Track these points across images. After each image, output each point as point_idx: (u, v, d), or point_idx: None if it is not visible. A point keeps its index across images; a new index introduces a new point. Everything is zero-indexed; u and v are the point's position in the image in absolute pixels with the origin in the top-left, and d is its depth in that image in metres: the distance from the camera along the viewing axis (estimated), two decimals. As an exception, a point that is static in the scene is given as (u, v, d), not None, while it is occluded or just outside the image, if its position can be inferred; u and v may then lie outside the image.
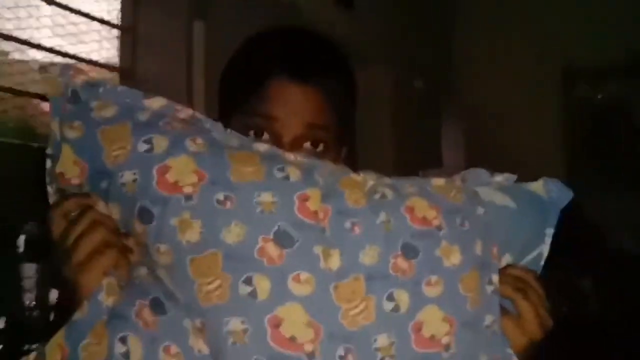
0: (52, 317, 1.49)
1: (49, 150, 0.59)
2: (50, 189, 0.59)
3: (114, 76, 2.03)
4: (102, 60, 2.00)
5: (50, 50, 1.84)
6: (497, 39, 3.58)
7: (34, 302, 1.50)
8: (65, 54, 1.88)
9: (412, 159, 3.03)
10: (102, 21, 2.00)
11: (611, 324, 2.43)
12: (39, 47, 1.81)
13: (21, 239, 1.49)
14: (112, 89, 0.59)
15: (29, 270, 1.52)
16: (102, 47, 2.02)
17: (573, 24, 3.29)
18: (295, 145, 0.67)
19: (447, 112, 3.46)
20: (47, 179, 0.59)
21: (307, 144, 0.68)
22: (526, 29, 3.47)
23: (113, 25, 2.04)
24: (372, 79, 2.85)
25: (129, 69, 2.02)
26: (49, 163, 0.59)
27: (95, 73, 1.98)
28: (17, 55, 1.77)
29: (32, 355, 0.55)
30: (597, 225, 2.85)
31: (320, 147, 0.69)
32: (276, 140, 0.67)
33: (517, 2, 3.51)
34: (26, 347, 1.30)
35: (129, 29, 2.04)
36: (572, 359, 2.35)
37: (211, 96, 0.77)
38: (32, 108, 1.75)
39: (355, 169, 0.62)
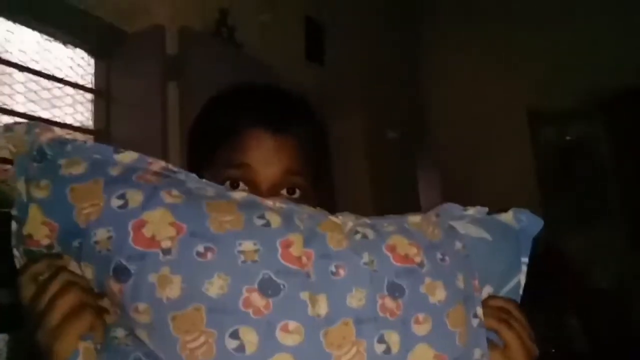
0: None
1: (14, 212, 0.56)
2: (16, 252, 0.57)
3: (88, 139, 2.03)
4: (76, 124, 2.01)
5: (24, 115, 1.84)
6: (465, 84, 3.70)
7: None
8: (39, 119, 1.88)
9: (390, 205, 3.05)
10: (75, 85, 2.01)
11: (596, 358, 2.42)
12: (12, 113, 1.81)
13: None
14: (80, 146, 0.57)
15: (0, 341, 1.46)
16: (76, 110, 2.02)
17: (537, 68, 3.43)
18: (272, 193, 0.68)
19: (422, 157, 3.52)
20: (13, 242, 0.56)
21: (284, 191, 0.69)
22: (493, 73, 3.60)
23: (86, 89, 2.05)
24: (346, 130, 2.90)
25: (103, 132, 2.02)
26: (14, 225, 0.56)
27: (69, 137, 1.97)
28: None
29: None
30: (575, 263, 2.89)
31: (297, 194, 0.70)
32: (253, 189, 0.67)
33: (484, 47, 3.66)
34: None
35: (103, 93, 2.05)
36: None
37: (187, 155, 0.77)
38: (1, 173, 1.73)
39: (332, 209, 0.62)
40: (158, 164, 0.58)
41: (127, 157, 0.57)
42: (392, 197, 3.10)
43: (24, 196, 0.56)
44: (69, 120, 1.99)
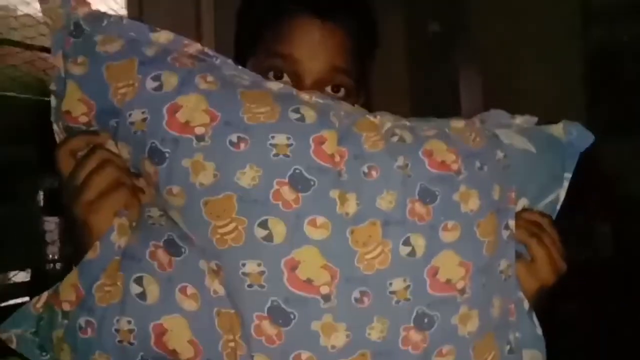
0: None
1: (52, 86, 0.56)
2: (56, 127, 0.57)
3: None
4: (110, 12, 1.98)
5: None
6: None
7: (57, 255, 1.54)
8: (71, 5, 1.86)
9: (430, 105, 2.99)
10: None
11: (626, 270, 2.44)
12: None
13: (41, 193, 1.52)
14: (116, 22, 0.56)
15: (50, 223, 1.55)
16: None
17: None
18: (316, 89, 0.64)
19: (464, 55, 3.37)
20: (53, 117, 0.57)
21: (328, 88, 0.66)
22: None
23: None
24: (385, 24, 2.78)
25: (136, 18, 1.99)
26: (53, 100, 0.56)
27: (102, 5, 1.95)
28: (23, 9, 1.75)
29: (43, 295, 0.55)
30: (615, 171, 2.82)
31: (341, 93, 0.67)
32: (296, 83, 0.64)
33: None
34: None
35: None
36: (588, 303, 2.37)
37: (220, 36, 0.74)
38: (41, 62, 1.74)
39: (370, 103, 0.59)
40: (194, 47, 0.56)
41: (163, 36, 0.56)
42: (431, 98, 3.02)
43: (61, 71, 0.55)
44: (102, 8, 1.96)
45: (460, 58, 3.34)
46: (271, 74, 0.65)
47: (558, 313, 0.60)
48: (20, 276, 1.49)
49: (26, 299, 1.43)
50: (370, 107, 0.60)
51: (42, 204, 1.51)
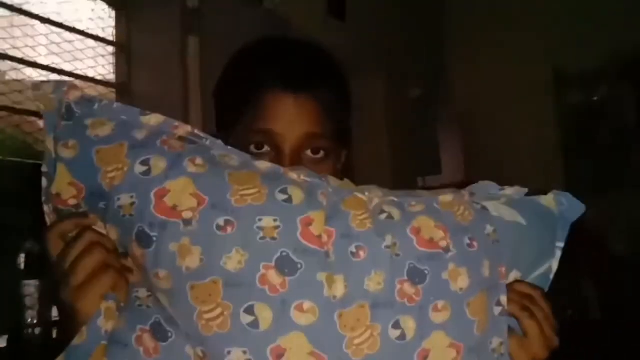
0: (54, 334, 1.49)
1: (44, 168, 0.57)
2: (46, 209, 0.58)
3: (110, 93, 2.04)
4: (98, 77, 2.02)
5: (46, 67, 1.85)
6: (489, 44, 3.61)
7: (35, 319, 1.50)
8: (61, 72, 1.89)
9: (411, 166, 3.04)
10: (96, 38, 2.01)
11: (612, 327, 2.43)
12: (35, 65, 1.82)
13: (21, 256, 1.49)
14: (107, 106, 0.57)
15: (30, 287, 1.52)
16: (97, 63, 2.03)
17: (561, 28, 3.32)
18: (295, 155, 0.67)
19: (443, 118, 3.47)
20: (44, 198, 0.57)
21: (308, 152, 0.68)
22: (517, 34, 3.49)
23: (108, 42, 2.05)
24: (367, 88, 2.86)
25: (125, 85, 2.03)
26: (44, 182, 0.57)
27: (92, 90, 1.99)
28: (13, 75, 1.78)
29: None
30: (596, 228, 2.86)
31: (321, 154, 0.69)
32: (277, 152, 0.67)
33: (507, 8, 3.55)
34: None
35: (124, 46, 2.05)
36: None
37: (208, 110, 0.77)
38: (28, 126, 1.75)
39: (351, 168, 0.60)
40: (184, 128, 0.57)
41: (153, 119, 0.57)
42: (412, 159, 3.08)
43: (52, 154, 0.56)
44: (90, 74, 2.00)
45: (440, 121, 3.45)
46: (252, 147, 0.67)
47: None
48: (-3, 342, 1.44)
49: (2, 366, 1.37)
50: (353, 170, 0.62)
51: (22, 267, 1.48)
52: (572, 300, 2.48)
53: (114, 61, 2.05)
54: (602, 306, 2.57)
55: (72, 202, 0.55)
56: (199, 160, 0.53)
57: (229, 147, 0.58)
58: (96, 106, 0.56)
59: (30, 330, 1.45)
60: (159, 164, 0.52)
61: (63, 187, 0.55)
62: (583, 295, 2.62)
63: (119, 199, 0.52)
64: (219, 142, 0.58)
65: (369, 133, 2.88)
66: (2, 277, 1.42)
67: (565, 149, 3.43)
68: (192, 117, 1.70)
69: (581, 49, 3.28)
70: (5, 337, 1.40)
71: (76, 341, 0.52)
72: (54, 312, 1.51)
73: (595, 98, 3.51)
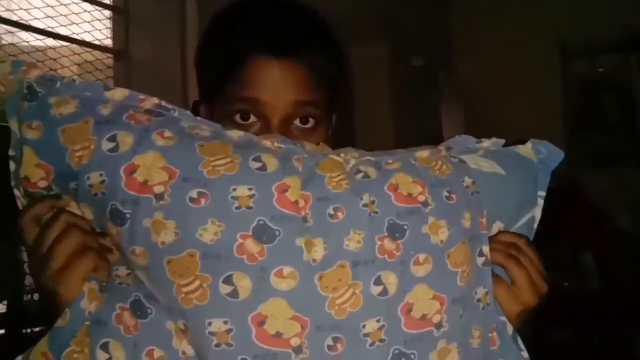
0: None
1: (11, 152, 0.56)
2: (17, 193, 0.56)
3: (107, 58, 2.01)
4: (95, 42, 1.98)
5: (42, 31, 1.82)
6: (493, 14, 3.54)
7: (34, 286, 1.50)
8: (57, 35, 1.86)
9: (412, 135, 3.02)
10: (93, 1, 1.97)
11: (609, 299, 2.45)
12: (30, 28, 1.78)
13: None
14: (70, 83, 0.55)
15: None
16: (94, 28, 1.99)
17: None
18: (284, 125, 0.64)
19: (446, 87, 3.43)
20: (13, 182, 0.56)
21: (297, 121, 0.65)
22: (523, 3, 3.43)
23: (105, 6, 2.01)
24: (369, 56, 2.82)
25: (122, 51, 2.00)
26: (12, 165, 0.56)
27: (88, 55, 1.96)
28: (8, 38, 1.75)
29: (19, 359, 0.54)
30: (596, 201, 2.86)
31: (310, 123, 0.66)
32: (264, 122, 0.64)
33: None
34: (27, 330, 1.31)
35: (121, 10, 2.01)
36: (571, 330, 2.37)
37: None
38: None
39: (353, 137, 0.59)
40: (150, 101, 0.55)
41: (118, 93, 0.55)
42: (414, 128, 3.06)
43: (17, 136, 0.55)
44: (87, 38, 1.97)
45: (442, 91, 3.41)
46: (238, 116, 0.64)
47: (543, 342, 0.59)
48: (-4, 307, 1.46)
49: (1, 331, 1.39)
50: (354, 137, 0.60)
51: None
52: (572, 271, 2.49)
53: (112, 26, 2.02)
54: (603, 279, 2.58)
55: (42, 184, 0.54)
56: (167, 133, 0.52)
57: (199, 118, 0.57)
58: (58, 84, 0.55)
59: (29, 296, 1.46)
60: (126, 140, 0.51)
61: (31, 169, 0.54)
62: (581, 265, 2.64)
63: (88, 178, 0.51)
64: (188, 112, 0.56)
65: (370, 101, 2.85)
66: (1, 245, 1.42)
67: (570, 122, 3.40)
68: (190, 82, 1.67)
69: (588, 19, 3.22)
70: (5, 302, 1.41)
71: (59, 323, 0.52)
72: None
73: (601, 70, 3.47)
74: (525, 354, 0.58)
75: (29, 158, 0.53)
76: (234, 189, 0.50)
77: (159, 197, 0.50)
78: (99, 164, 0.51)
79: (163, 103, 0.56)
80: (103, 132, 0.52)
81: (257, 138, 0.56)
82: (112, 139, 0.52)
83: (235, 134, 0.56)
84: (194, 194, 0.50)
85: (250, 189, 0.51)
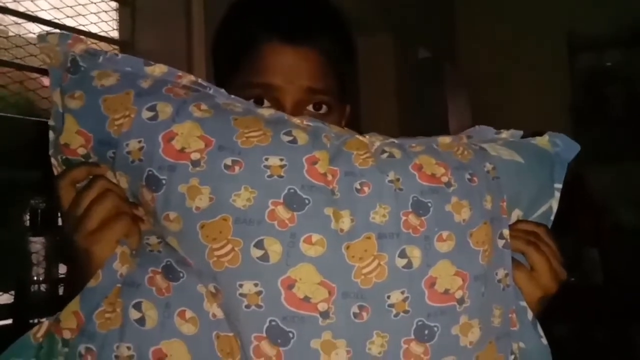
0: (60, 290, 1.51)
1: (51, 122, 0.58)
2: (54, 161, 0.59)
3: (113, 50, 2.01)
4: (101, 34, 1.98)
5: (48, 22, 1.82)
6: (500, 6, 3.52)
7: (42, 276, 1.52)
8: (63, 27, 1.86)
9: (418, 127, 3.01)
10: (99, -8, 1.97)
11: (613, 294, 2.44)
12: (37, 19, 1.79)
13: (27, 213, 1.50)
14: (112, 57, 0.57)
15: (36, 244, 1.53)
16: (101, 19, 1.99)
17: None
18: (297, 111, 0.66)
19: (452, 79, 3.42)
20: (51, 151, 0.58)
21: (310, 107, 0.67)
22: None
23: (111, -3, 2.01)
24: (374, 47, 2.81)
25: (128, 42, 2.00)
26: (51, 135, 0.58)
27: (95, 46, 1.96)
28: (14, 29, 1.75)
29: (44, 324, 0.55)
30: (601, 197, 2.84)
31: (323, 110, 0.68)
32: (277, 108, 0.65)
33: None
34: (35, 320, 1.32)
35: (128, 2, 2.01)
36: (575, 325, 2.37)
37: (213, 67, 0.75)
38: (31, 83, 1.73)
39: (359, 128, 0.61)
40: (187, 78, 0.58)
41: (157, 70, 0.58)
42: (420, 120, 3.05)
43: (59, 106, 0.57)
44: (93, 30, 1.97)
45: (448, 83, 3.39)
46: (252, 102, 0.65)
47: (547, 337, 0.59)
48: (4, 298, 1.47)
49: (9, 321, 1.40)
50: (359, 129, 0.62)
51: (28, 224, 1.49)
52: (576, 267, 2.49)
53: (118, 17, 2.01)
54: (607, 274, 2.58)
55: (81, 151, 0.56)
56: (204, 106, 0.55)
57: (232, 96, 0.59)
58: (101, 59, 0.57)
59: (36, 287, 1.47)
60: (165, 109, 0.54)
61: (71, 136, 0.55)
62: (585, 261, 2.63)
63: (127, 145, 0.53)
64: (222, 90, 0.59)
65: (376, 92, 2.84)
66: (9, 235, 1.43)
67: (575, 115, 3.38)
68: (196, 74, 1.67)
69: (595, 13, 3.20)
70: (12, 293, 1.43)
71: (92, 283, 0.54)
72: (60, 269, 1.53)
73: (608, 64, 3.44)
74: (544, 340, 0.59)
75: (70, 125, 0.55)
76: (267, 159, 0.52)
77: (195, 163, 0.52)
78: (139, 132, 0.53)
79: (199, 80, 0.59)
80: (143, 102, 0.54)
81: (287, 116, 0.58)
82: (152, 108, 0.54)
83: (266, 111, 0.58)
84: (228, 161, 0.52)
85: (281, 160, 0.52)
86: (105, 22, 2.00)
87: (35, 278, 1.47)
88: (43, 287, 1.48)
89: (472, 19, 3.65)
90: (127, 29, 2.01)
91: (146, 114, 0.53)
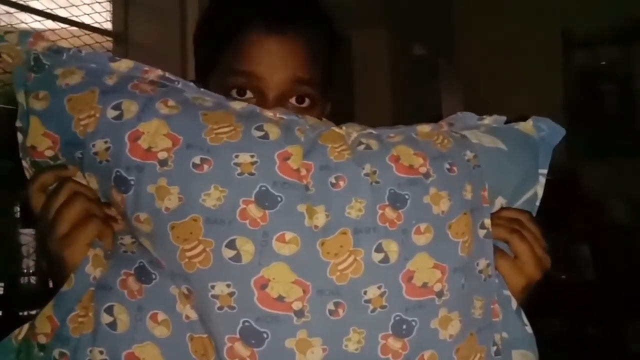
0: (50, 282, 1.50)
1: (18, 123, 0.56)
2: (25, 164, 0.57)
3: (107, 41, 1.99)
4: (94, 25, 1.96)
5: (41, 13, 1.80)
6: (496, 3, 3.52)
7: (31, 268, 1.51)
8: (56, 17, 1.84)
9: (412, 123, 3.01)
10: (93, -17, 1.95)
11: (605, 290, 2.46)
12: (28, 9, 1.77)
13: (17, 205, 1.49)
14: (76, 54, 0.56)
15: (26, 236, 1.52)
16: (94, 10, 1.97)
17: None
18: (280, 102, 0.64)
19: (447, 76, 3.42)
20: (21, 154, 0.57)
21: (293, 100, 0.66)
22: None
23: (104, -12, 1.99)
24: (371, 43, 2.80)
25: (122, 33, 1.98)
26: (20, 136, 0.56)
27: (88, 38, 1.94)
28: (6, 19, 1.73)
29: (24, 327, 0.55)
30: (594, 193, 2.85)
31: (306, 103, 0.66)
32: (260, 98, 0.64)
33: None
34: (24, 313, 1.31)
35: (121, -9, 1.99)
36: (566, 321, 2.38)
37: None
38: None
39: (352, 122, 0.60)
40: (155, 72, 0.56)
41: (123, 65, 0.56)
42: (414, 116, 3.05)
43: (24, 107, 0.55)
44: (87, 21, 1.95)
45: (443, 79, 3.40)
46: (234, 92, 0.65)
47: (538, 333, 0.59)
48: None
49: (-2, 313, 1.39)
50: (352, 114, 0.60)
51: (18, 216, 1.48)
52: (568, 263, 2.50)
53: (111, 8, 2.00)
54: (598, 270, 2.59)
55: (48, 153, 0.55)
56: (171, 102, 0.53)
57: (202, 89, 0.57)
58: (65, 56, 0.56)
59: (26, 279, 1.46)
60: (130, 108, 0.52)
61: (38, 139, 0.54)
62: (577, 257, 2.65)
63: (93, 146, 0.52)
64: (191, 84, 0.57)
65: (370, 88, 2.83)
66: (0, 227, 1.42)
67: (569, 112, 3.39)
68: (190, 66, 1.66)
69: (591, 10, 3.20)
70: (2, 285, 1.42)
71: (65, 287, 0.53)
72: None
73: (603, 61, 3.45)
74: (529, 329, 0.58)
75: (35, 127, 0.54)
76: (237, 156, 0.51)
77: (163, 163, 0.51)
78: (104, 132, 0.52)
79: (167, 74, 0.57)
80: (108, 101, 0.53)
81: (260, 109, 0.57)
82: (117, 107, 0.52)
83: (237, 104, 0.56)
84: (197, 160, 0.51)
85: (252, 156, 0.51)
86: (99, 13, 1.98)
87: (25, 270, 1.46)
88: (33, 279, 1.47)
89: (468, 16, 3.65)
90: (120, 20, 1.99)
91: (111, 113, 0.52)
